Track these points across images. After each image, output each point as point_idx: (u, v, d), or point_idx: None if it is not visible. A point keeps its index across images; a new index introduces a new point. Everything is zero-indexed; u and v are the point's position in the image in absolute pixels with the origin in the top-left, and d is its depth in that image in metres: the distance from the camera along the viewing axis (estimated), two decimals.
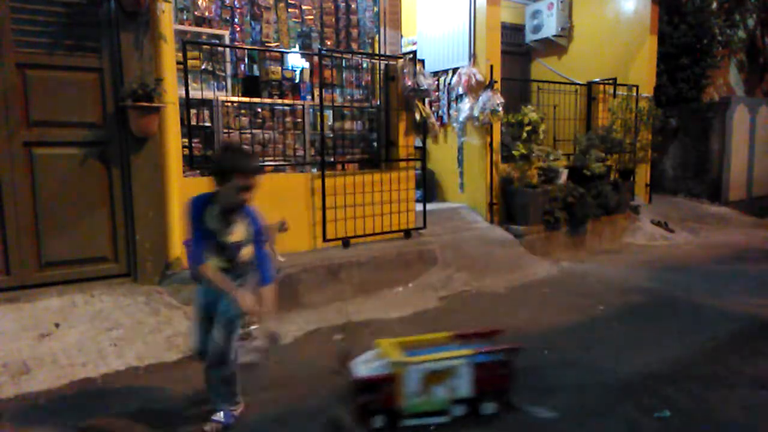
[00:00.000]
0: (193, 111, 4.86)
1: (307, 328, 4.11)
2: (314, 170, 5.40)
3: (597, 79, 8.24)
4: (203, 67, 5.19)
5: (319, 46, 5.80)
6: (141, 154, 4.28)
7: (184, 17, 5.22)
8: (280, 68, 5.69)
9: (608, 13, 8.64)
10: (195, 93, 4.73)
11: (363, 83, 6.17)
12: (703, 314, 4.42)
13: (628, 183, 7.79)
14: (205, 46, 5.18)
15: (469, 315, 4.46)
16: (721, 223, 8.64)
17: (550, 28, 8.89)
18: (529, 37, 9.32)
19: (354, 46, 6.18)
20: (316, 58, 5.63)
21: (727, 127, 9.41)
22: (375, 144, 6.07)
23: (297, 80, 5.84)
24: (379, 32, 5.99)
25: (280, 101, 5.58)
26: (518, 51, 9.52)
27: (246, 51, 5.58)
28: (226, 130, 5.20)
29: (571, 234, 6.93)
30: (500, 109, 6.49)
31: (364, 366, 2.81)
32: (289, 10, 5.82)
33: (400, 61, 5.68)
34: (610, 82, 8.13)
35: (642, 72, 8.35)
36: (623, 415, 2.85)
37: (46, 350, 3.39)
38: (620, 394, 3.08)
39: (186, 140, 4.64)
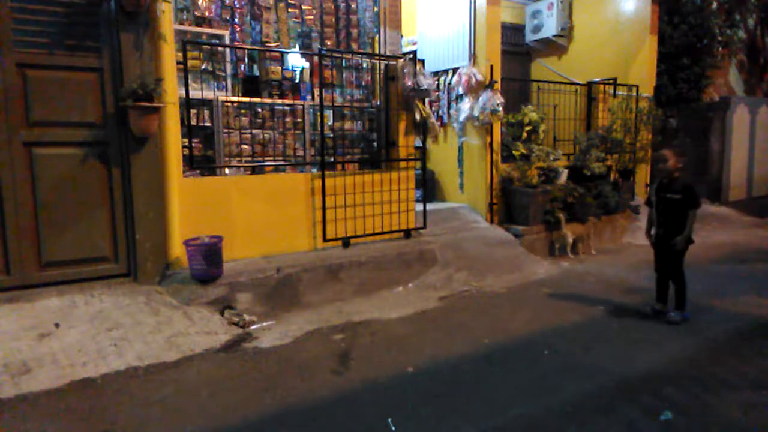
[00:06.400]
0: (193, 111, 4.86)
1: (307, 328, 4.11)
2: (314, 170, 5.40)
3: (597, 79, 8.24)
4: (203, 67, 5.19)
5: (319, 46, 5.80)
6: (141, 154, 4.28)
7: (184, 17, 5.22)
8: (280, 68, 5.69)
9: (608, 13, 8.64)
10: (195, 93, 4.73)
11: (363, 83, 6.17)
12: (703, 314, 4.41)
13: (628, 183, 7.78)
14: (205, 46, 5.17)
15: (469, 315, 4.46)
16: (721, 223, 8.63)
17: (550, 28, 8.89)
18: (529, 37, 9.32)
19: (354, 46, 6.18)
20: (316, 58, 5.63)
21: (727, 127, 9.41)
22: (375, 144, 6.07)
23: (297, 80, 5.84)
24: (379, 32, 5.99)
25: (280, 101, 5.58)
26: (518, 51, 9.52)
27: (246, 51, 5.57)
28: (226, 130, 5.20)
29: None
30: (500, 109, 6.48)
31: None
32: (289, 10, 5.81)
33: (400, 61, 5.68)
34: (610, 82, 8.13)
35: (642, 72, 8.35)
36: (623, 415, 2.85)
37: (46, 350, 3.39)
38: (620, 394, 3.08)
39: (186, 140, 4.64)
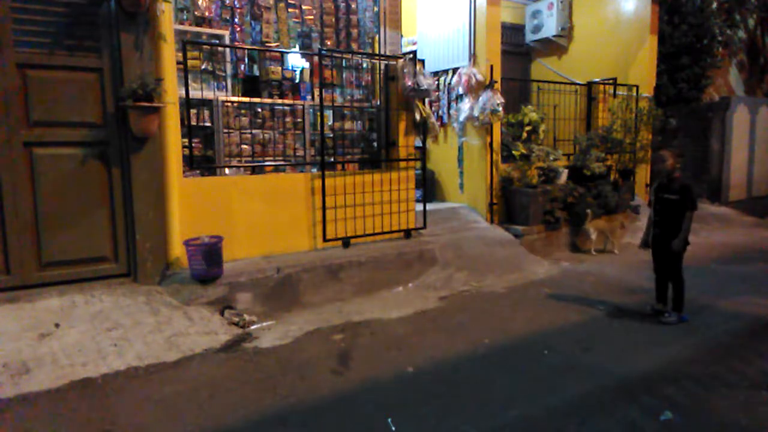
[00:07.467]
0: (193, 111, 4.86)
1: (307, 328, 4.11)
2: (314, 170, 5.40)
3: (597, 79, 8.24)
4: (203, 67, 5.19)
5: (319, 46, 5.80)
6: (141, 154, 4.28)
7: (184, 17, 5.22)
8: (280, 68, 5.69)
9: (608, 13, 8.64)
10: (195, 93, 4.73)
11: (363, 83, 6.17)
12: (703, 314, 4.41)
13: (628, 183, 7.78)
14: (205, 46, 5.18)
15: (469, 315, 4.46)
16: (722, 223, 8.63)
17: (550, 28, 8.89)
18: (529, 37, 9.32)
19: (354, 46, 6.18)
20: (316, 58, 5.63)
21: (727, 127, 9.41)
22: (375, 144, 6.07)
23: (297, 80, 5.84)
24: (379, 32, 5.99)
25: (280, 101, 5.58)
26: (518, 51, 9.51)
27: (246, 51, 5.57)
28: (226, 130, 5.20)
29: (571, 234, 6.94)
30: (500, 109, 6.48)
31: None
32: (289, 10, 5.82)
33: (400, 61, 5.68)
34: (610, 82, 8.13)
35: (642, 72, 8.35)
36: (623, 415, 2.85)
37: (46, 350, 3.39)
38: (620, 394, 3.08)
39: (186, 140, 4.64)
